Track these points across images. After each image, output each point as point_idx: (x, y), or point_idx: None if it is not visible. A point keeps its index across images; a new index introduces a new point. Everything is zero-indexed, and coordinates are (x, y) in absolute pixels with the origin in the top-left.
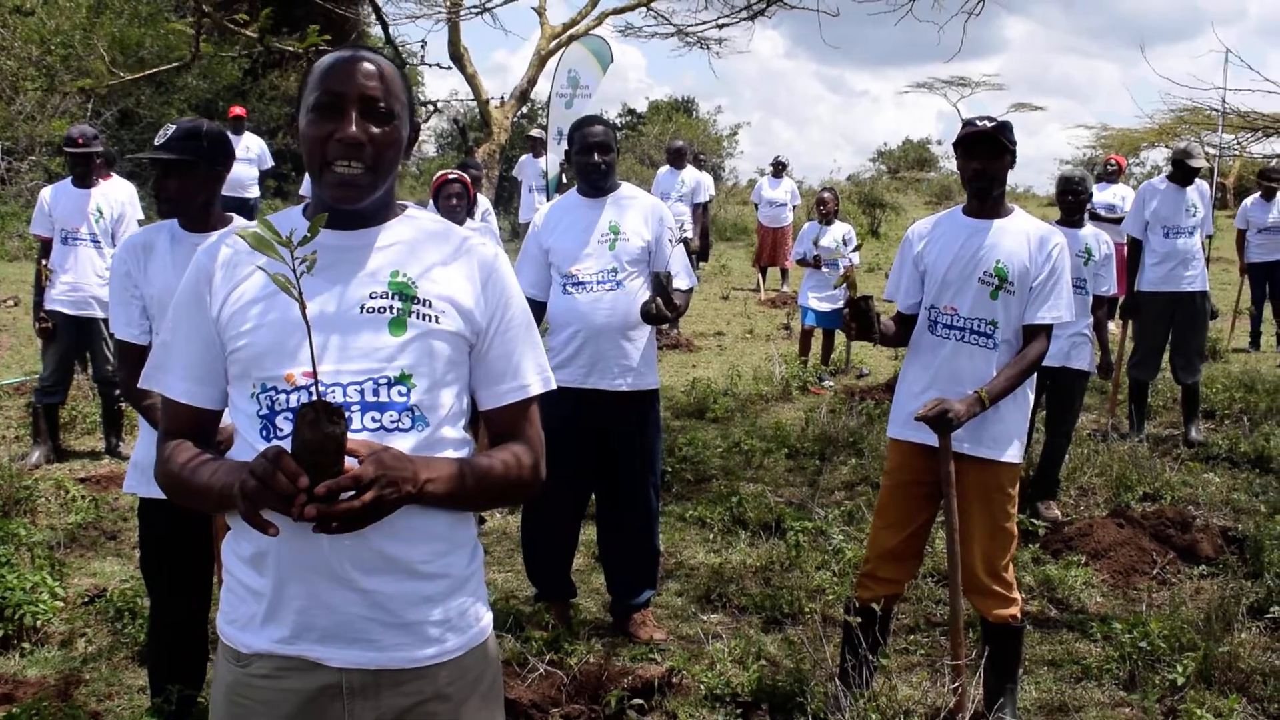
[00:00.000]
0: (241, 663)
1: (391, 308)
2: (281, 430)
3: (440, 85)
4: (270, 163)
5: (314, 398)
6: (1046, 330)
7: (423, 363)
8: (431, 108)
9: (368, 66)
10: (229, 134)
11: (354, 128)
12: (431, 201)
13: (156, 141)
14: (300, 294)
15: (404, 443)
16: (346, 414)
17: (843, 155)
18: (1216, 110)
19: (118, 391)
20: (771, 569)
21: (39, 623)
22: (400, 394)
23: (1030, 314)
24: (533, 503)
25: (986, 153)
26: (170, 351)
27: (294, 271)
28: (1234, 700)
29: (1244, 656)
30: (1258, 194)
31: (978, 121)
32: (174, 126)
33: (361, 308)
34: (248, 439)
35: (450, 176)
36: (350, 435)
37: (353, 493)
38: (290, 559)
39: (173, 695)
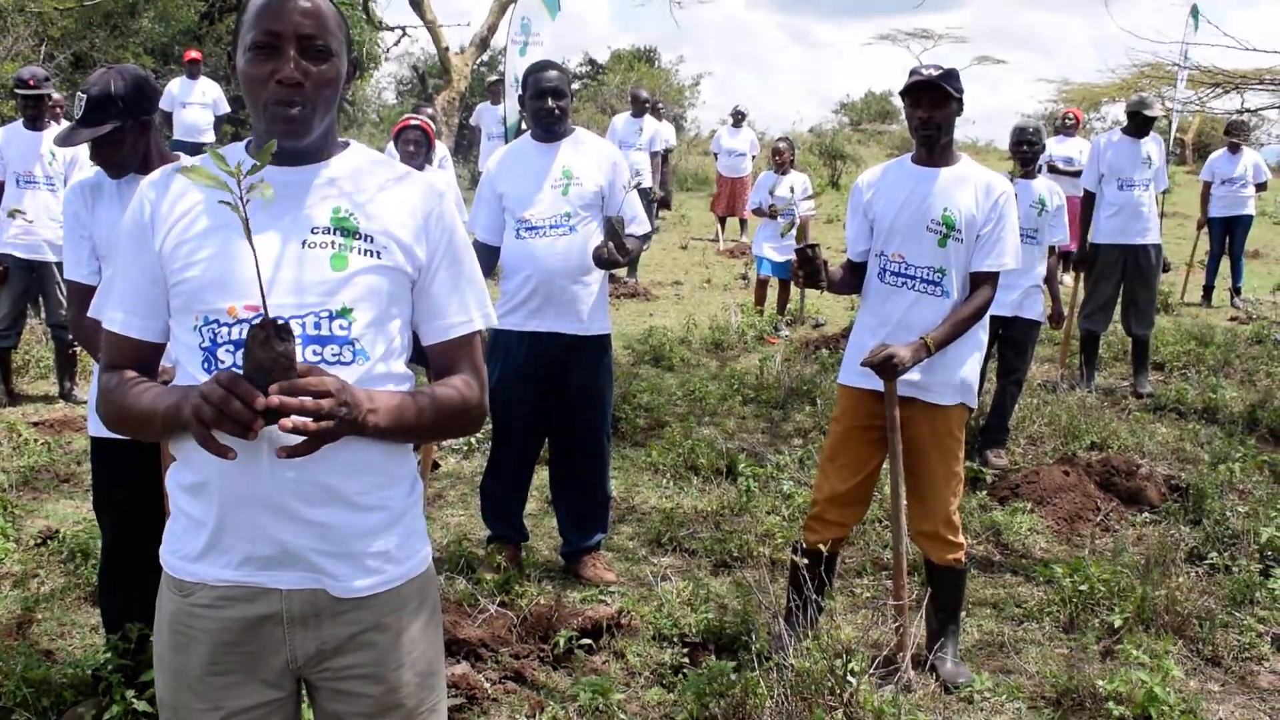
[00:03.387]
0: (184, 592)
1: (333, 243)
2: (223, 363)
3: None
4: (226, 108)
5: (263, 319)
6: (992, 278)
7: (364, 298)
8: (400, 32)
9: (303, 5)
10: (149, 74)
11: (292, 67)
12: (391, 146)
13: (75, 114)
14: (246, 219)
15: (345, 375)
16: None
17: (806, 107)
18: (1177, 65)
19: (70, 336)
20: (722, 514)
21: None
22: (341, 328)
23: (976, 261)
24: (492, 447)
25: (932, 101)
26: (113, 283)
27: (241, 200)
28: (1168, 641)
29: (1180, 600)
30: (1224, 149)
31: (923, 70)
32: (85, 96)
33: (304, 243)
34: (189, 370)
35: (412, 122)
36: None
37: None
38: (231, 489)
39: (132, 633)
